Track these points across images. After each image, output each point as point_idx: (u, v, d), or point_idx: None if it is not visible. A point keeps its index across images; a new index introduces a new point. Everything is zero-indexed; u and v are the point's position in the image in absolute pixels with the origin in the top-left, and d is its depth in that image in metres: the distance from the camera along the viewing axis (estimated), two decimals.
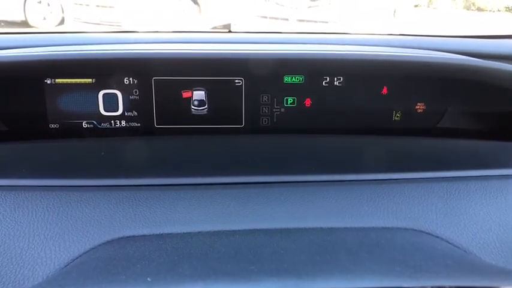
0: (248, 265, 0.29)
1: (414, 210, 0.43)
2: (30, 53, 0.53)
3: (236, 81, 0.60)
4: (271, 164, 0.51)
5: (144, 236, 0.38)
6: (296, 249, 0.34)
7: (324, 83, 0.61)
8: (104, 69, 0.56)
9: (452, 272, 0.29)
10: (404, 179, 0.48)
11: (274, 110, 0.62)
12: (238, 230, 0.39)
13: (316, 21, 4.05)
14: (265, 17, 4.07)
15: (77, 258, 0.36)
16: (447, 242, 0.40)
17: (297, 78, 0.61)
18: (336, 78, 0.61)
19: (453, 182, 0.47)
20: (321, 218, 0.41)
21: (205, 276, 0.27)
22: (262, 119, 0.63)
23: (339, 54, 0.54)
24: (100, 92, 0.59)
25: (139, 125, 0.61)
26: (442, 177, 0.48)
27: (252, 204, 0.43)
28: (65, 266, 0.36)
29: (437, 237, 0.40)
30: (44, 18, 4.22)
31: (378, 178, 0.48)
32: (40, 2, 4.27)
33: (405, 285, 0.25)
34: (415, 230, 0.40)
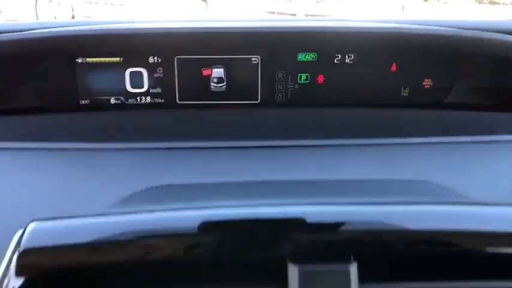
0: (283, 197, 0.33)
1: (421, 166, 0.47)
2: (63, 28, 0.58)
3: (253, 59, 0.64)
4: (286, 130, 0.55)
5: (179, 184, 0.43)
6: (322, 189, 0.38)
7: (335, 60, 0.65)
8: (133, 47, 0.61)
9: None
10: (412, 143, 0.51)
11: (288, 86, 0.66)
12: (266, 180, 0.43)
13: (323, 16, 4.07)
14: (273, 13, 4.10)
15: (125, 198, 0.41)
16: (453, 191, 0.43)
17: (310, 56, 0.65)
18: (347, 56, 0.65)
19: (457, 145, 0.50)
20: (339, 172, 0.45)
21: (241, 197, 0.31)
22: (277, 95, 0.66)
23: (351, 27, 0.58)
24: (127, 70, 0.64)
25: (163, 100, 0.66)
26: (449, 142, 0.51)
27: (274, 162, 0.47)
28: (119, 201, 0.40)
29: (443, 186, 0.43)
30: (55, 18, 4.32)
31: (386, 142, 0.51)
32: (51, 1, 4.37)
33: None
34: (423, 180, 0.44)
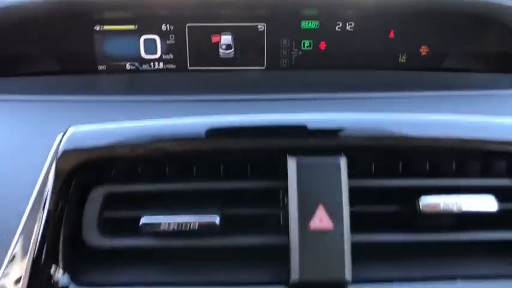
0: None
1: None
2: None
3: (259, 26, 0.69)
4: (290, 87, 0.60)
5: None
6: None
7: (337, 27, 0.69)
8: (147, 14, 0.65)
9: None
10: (408, 96, 0.55)
11: (292, 52, 0.70)
12: None
13: None
14: None
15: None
16: None
17: (313, 24, 0.69)
18: (348, 23, 0.69)
19: (450, 98, 0.54)
20: None
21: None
22: (282, 61, 0.71)
23: None
24: (141, 37, 0.68)
25: (174, 66, 0.70)
26: (444, 96, 0.56)
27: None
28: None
29: None
30: None
31: (383, 96, 0.56)
32: None
33: None
34: None
